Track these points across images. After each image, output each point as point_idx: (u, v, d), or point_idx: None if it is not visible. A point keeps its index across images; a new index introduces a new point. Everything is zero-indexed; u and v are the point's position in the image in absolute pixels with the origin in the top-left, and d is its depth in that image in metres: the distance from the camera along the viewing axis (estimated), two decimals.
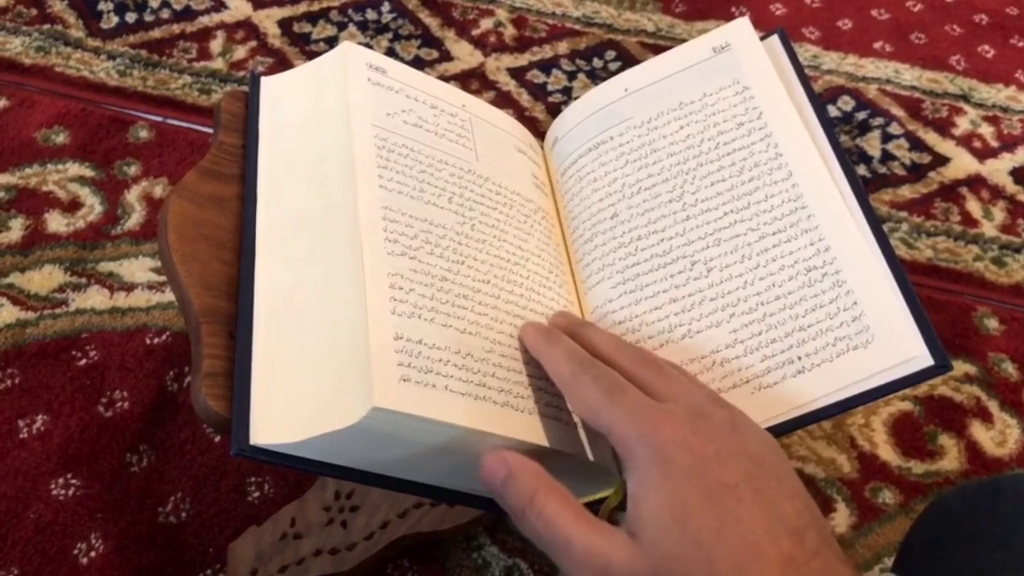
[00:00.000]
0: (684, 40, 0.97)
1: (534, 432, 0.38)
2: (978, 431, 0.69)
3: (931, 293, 0.77)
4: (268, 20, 0.95)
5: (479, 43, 0.96)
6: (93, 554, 0.59)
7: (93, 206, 0.77)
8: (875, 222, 0.41)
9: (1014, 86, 0.95)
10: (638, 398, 0.35)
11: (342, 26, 0.96)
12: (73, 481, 0.62)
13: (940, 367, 0.37)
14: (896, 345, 0.38)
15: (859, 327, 0.39)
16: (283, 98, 0.47)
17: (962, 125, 0.91)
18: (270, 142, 0.46)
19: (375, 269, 0.38)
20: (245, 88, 0.48)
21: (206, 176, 0.44)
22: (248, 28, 0.94)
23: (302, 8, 0.97)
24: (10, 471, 0.62)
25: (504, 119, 0.51)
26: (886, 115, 0.91)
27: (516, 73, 0.93)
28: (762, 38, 0.48)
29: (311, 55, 0.92)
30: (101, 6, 0.94)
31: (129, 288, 0.72)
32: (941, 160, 0.88)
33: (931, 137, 0.90)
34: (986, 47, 1.00)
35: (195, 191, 0.43)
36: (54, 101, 0.84)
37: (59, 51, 0.89)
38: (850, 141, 0.89)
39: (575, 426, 0.40)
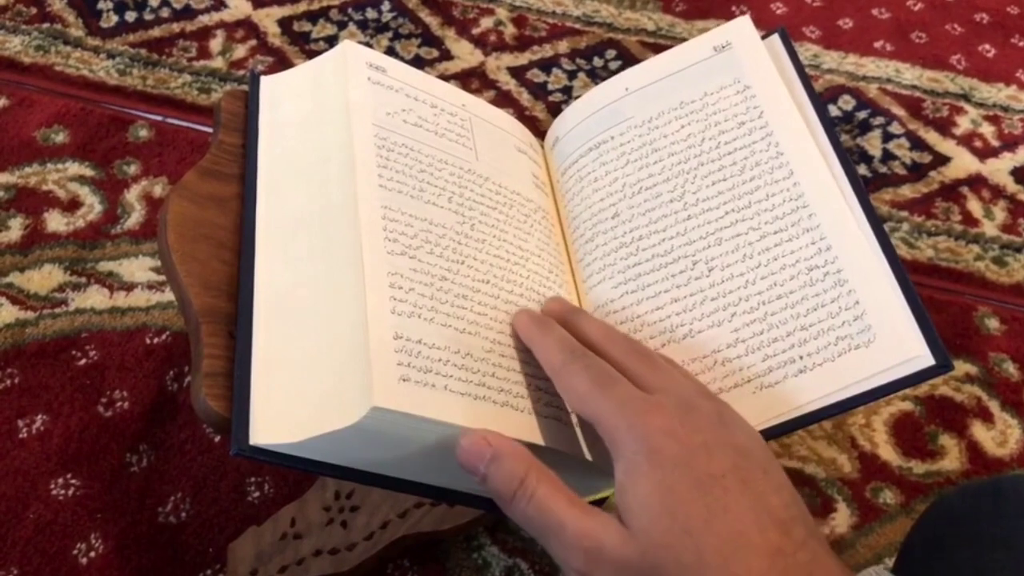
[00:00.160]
0: (684, 39, 0.96)
1: (534, 432, 0.38)
2: (979, 431, 0.69)
3: (932, 293, 0.77)
4: (268, 19, 0.95)
5: (479, 42, 0.96)
6: (93, 554, 0.59)
7: (93, 205, 0.77)
8: (876, 222, 0.41)
9: (1015, 85, 0.95)
10: (627, 389, 0.35)
11: (342, 25, 0.96)
12: (73, 481, 0.62)
13: (941, 367, 0.37)
14: (898, 344, 0.38)
15: (861, 326, 0.39)
16: (283, 97, 0.47)
17: (963, 124, 0.91)
18: (270, 141, 0.45)
19: (375, 268, 0.38)
20: (245, 87, 0.48)
21: (206, 175, 0.44)
22: (248, 27, 0.94)
23: (302, 7, 0.97)
24: (10, 471, 0.62)
25: (504, 118, 0.51)
26: (887, 114, 0.91)
27: (516, 72, 0.93)
28: (763, 37, 0.48)
29: (311, 54, 0.92)
30: (101, 5, 0.94)
31: (129, 288, 0.72)
32: (942, 159, 0.88)
33: (932, 136, 0.90)
34: (987, 46, 0.99)
35: (195, 190, 0.43)
36: (53, 100, 0.84)
37: (59, 50, 0.89)
38: (851, 140, 0.89)
39: (575, 426, 0.40)
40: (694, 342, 0.41)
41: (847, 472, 0.66)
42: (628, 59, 0.95)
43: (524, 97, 0.91)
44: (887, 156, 0.88)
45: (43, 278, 0.72)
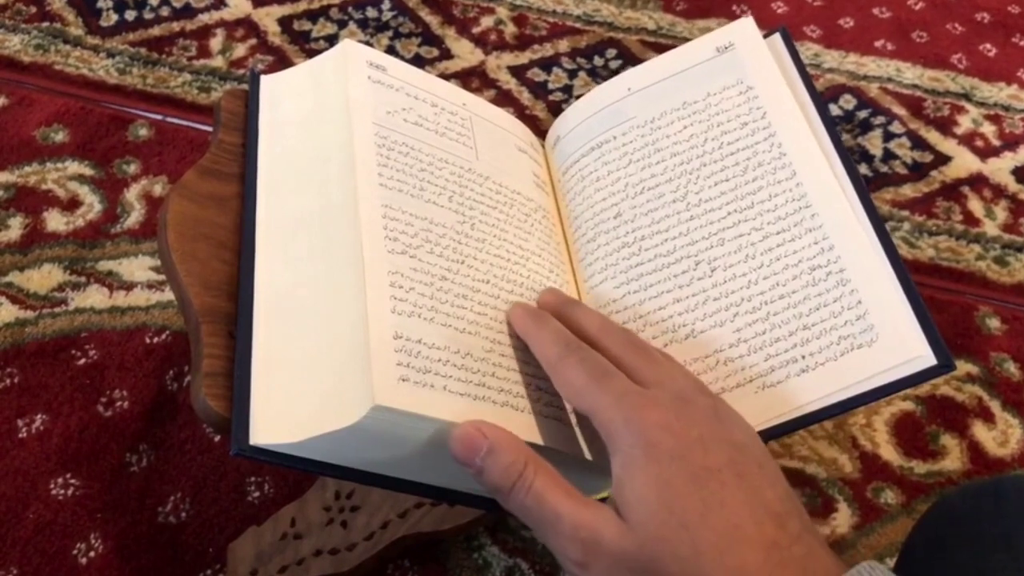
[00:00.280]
0: (685, 39, 0.97)
1: (534, 432, 0.38)
2: (980, 431, 0.69)
3: (933, 293, 0.77)
4: (268, 18, 0.95)
5: (479, 41, 0.95)
6: (93, 554, 0.59)
7: (92, 205, 0.77)
8: (878, 221, 0.41)
9: (1016, 85, 0.95)
10: (624, 383, 0.35)
11: (342, 24, 0.96)
12: (72, 481, 0.61)
13: (943, 367, 0.37)
14: (900, 344, 0.38)
15: (863, 326, 0.39)
16: (283, 96, 0.47)
17: (964, 124, 0.91)
18: (270, 141, 0.45)
19: (375, 267, 0.38)
20: (245, 86, 0.48)
21: (206, 175, 0.44)
22: (248, 26, 0.94)
23: (302, 6, 0.97)
24: (9, 471, 0.61)
25: (505, 118, 0.51)
26: (887, 114, 0.91)
27: (517, 71, 0.93)
28: (764, 36, 0.48)
29: (311, 53, 0.91)
30: (100, 4, 0.94)
31: (128, 287, 0.72)
32: (943, 159, 0.88)
33: (933, 136, 0.89)
34: (988, 46, 0.99)
35: (195, 190, 0.43)
36: (53, 99, 0.84)
37: (58, 49, 0.89)
38: (852, 140, 0.89)
39: (575, 426, 0.40)
40: (696, 342, 0.41)
41: (848, 472, 0.66)
42: (629, 58, 0.95)
43: (524, 96, 0.91)
44: (888, 155, 0.88)
45: (43, 277, 0.72)
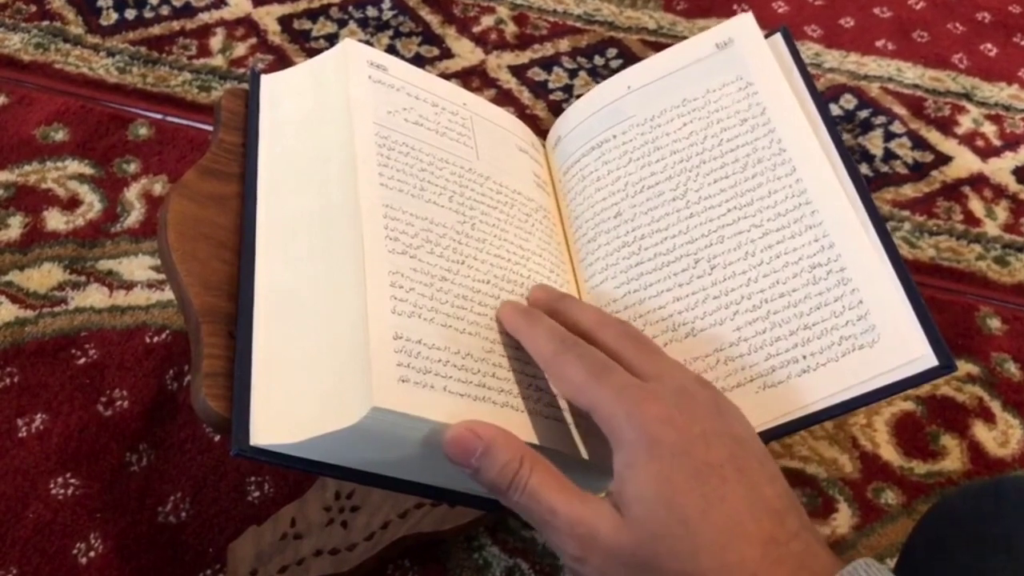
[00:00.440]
0: (686, 38, 0.96)
1: (533, 432, 0.38)
2: (980, 431, 0.69)
3: (933, 293, 0.77)
4: (268, 17, 0.95)
5: (480, 40, 0.95)
6: (92, 554, 0.59)
7: (92, 204, 0.77)
8: (879, 221, 0.41)
9: (1016, 84, 0.95)
10: (623, 377, 0.35)
11: (342, 23, 0.96)
12: (72, 480, 0.61)
13: (945, 368, 0.37)
14: (901, 345, 0.38)
15: (865, 326, 0.39)
16: (283, 96, 0.47)
17: (964, 124, 0.91)
18: (270, 140, 0.45)
19: (376, 267, 0.38)
20: (245, 86, 0.48)
21: (206, 174, 0.44)
22: (248, 25, 0.94)
23: (302, 5, 0.97)
24: (9, 470, 0.61)
25: (505, 117, 0.51)
26: (888, 114, 0.91)
27: (517, 71, 0.93)
28: (765, 36, 0.48)
29: (311, 52, 0.91)
30: (100, 2, 0.94)
31: (128, 286, 0.71)
32: (943, 159, 0.88)
33: (933, 136, 0.89)
34: (988, 45, 0.99)
35: (195, 189, 0.43)
36: (53, 98, 0.84)
37: (58, 48, 0.89)
38: (852, 140, 0.89)
39: (575, 426, 0.40)
40: (696, 341, 0.41)
41: (848, 472, 0.66)
42: (629, 58, 0.95)
43: (525, 96, 0.90)
44: (888, 155, 0.88)
45: (42, 276, 0.72)
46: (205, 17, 0.94)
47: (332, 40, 0.93)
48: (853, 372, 0.38)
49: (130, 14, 0.93)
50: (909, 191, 0.85)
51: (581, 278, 0.46)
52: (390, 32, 0.95)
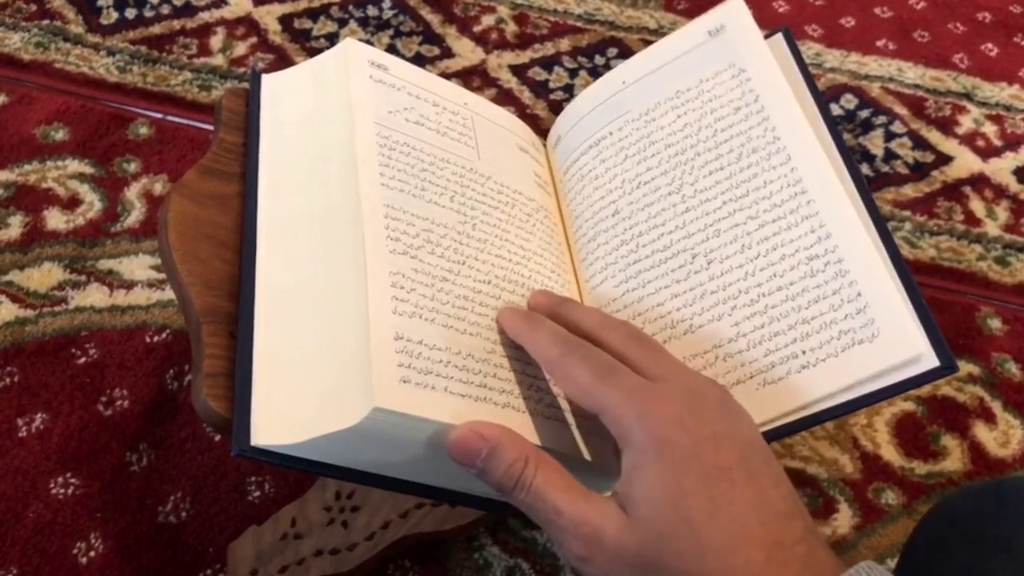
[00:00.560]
0: None
1: (536, 433, 0.38)
2: (981, 432, 0.69)
3: (934, 293, 0.77)
4: (269, 16, 0.95)
5: (480, 40, 0.95)
6: (93, 554, 0.59)
7: (93, 203, 0.76)
8: (880, 222, 0.41)
9: (1017, 84, 0.95)
10: (631, 378, 0.35)
11: (343, 22, 0.96)
12: (72, 480, 0.61)
13: (946, 368, 0.37)
14: (902, 338, 0.37)
15: (864, 320, 0.38)
16: (284, 95, 0.47)
17: (965, 124, 0.91)
18: (271, 140, 0.45)
19: (377, 268, 0.38)
20: (246, 85, 0.48)
21: (206, 174, 0.44)
22: (248, 24, 0.94)
23: (303, 4, 0.97)
24: (9, 470, 0.61)
25: (506, 117, 0.51)
26: (889, 113, 0.91)
27: (517, 70, 0.93)
28: (766, 36, 0.48)
29: (312, 52, 0.91)
30: (101, 2, 0.94)
31: (129, 286, 0.71)
32: (944, 159, 0.88)
33: (934, 136, 0.89)
34: (989, 45, 0.99)
35: (195, 189, 0.43)
36: (53, 97, 0.84)
37: (58, 47, 0.89)
38: (853, 140, 0.89)
39: (576, 427, 0.40)
40: (695, 337, 0.41)
41: (849, 473, 0.66)
42: (629, 57, 0.94)
43: (525, 95, 0.90)
44: (889, 155, 0.88)
45: (43, 276, 0.71)
46: (205, 16, 0.94)
47: (333, 39, 0.93)
48: (854, 368, 0.38)
49: (130, 13, 0.93)
50: (910, 191, 0.85)
51: (582, 278, 0.46)
52: (390, 31, 0.95)
